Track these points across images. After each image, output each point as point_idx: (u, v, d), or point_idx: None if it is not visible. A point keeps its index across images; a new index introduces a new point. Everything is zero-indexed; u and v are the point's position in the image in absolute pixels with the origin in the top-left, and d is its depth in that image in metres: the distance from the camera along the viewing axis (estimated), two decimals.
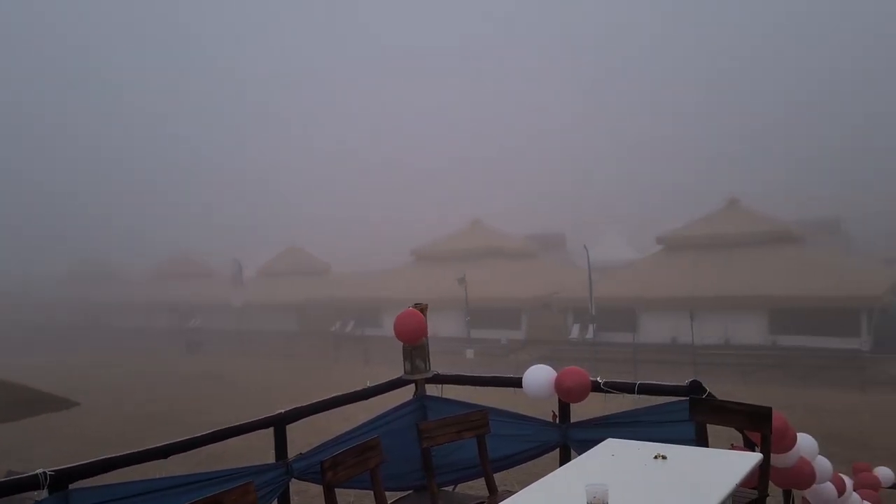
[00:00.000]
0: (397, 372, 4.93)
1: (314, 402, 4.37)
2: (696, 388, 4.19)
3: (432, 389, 5.13)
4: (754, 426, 3.47)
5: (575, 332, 34.05)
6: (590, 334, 31.88)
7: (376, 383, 4.84)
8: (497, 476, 4.34)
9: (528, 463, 4.81)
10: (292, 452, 4.13)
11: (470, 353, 30.27)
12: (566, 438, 4.62)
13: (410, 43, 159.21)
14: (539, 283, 38.40)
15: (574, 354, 31.19)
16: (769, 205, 39.35)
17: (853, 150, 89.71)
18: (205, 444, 3.69)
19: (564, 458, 4.57)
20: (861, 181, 75.47)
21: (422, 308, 4.81)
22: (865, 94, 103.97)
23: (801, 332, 29.04)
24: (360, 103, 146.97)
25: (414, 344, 4.72)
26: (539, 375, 4.59)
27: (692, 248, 34.67)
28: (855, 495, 6.55)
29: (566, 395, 4.50)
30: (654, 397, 4.44)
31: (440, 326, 38.07)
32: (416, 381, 4.98)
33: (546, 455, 4.77)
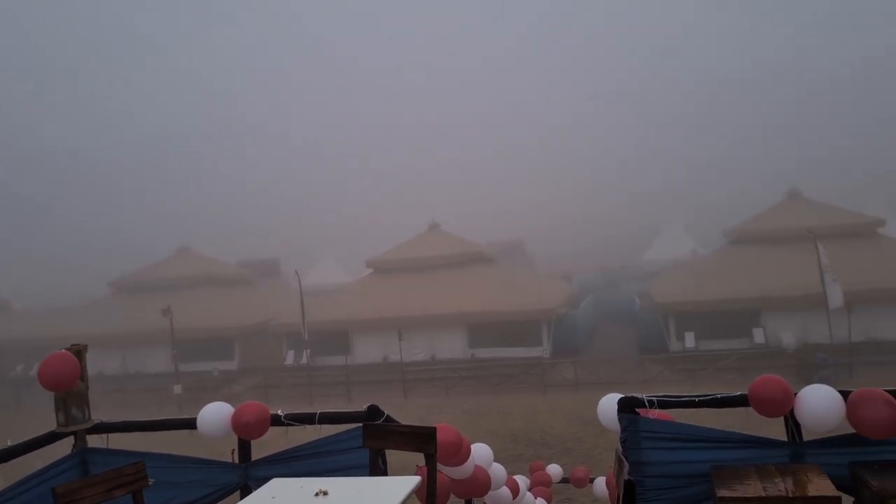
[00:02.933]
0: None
1: None
2: (374, 412, 4.15)
3: (97, 441, 4.51)
4: (421, 446, 3.49)
5: (290, 358, 33.51)
6: (305, 359, 31.57)
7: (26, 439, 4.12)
8: None
9: None
10: None
11: (178, 389, 28.28)
12: (247, 478, 4.32)
13: None
14: (253, 310, 37.25)
15: (290, 381, 30.71)
16: (465, 229, 42.42)
17: (538, 180, 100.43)
18: None
19: None
20: (544, 205, 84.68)
21: (78, 349, 4.21)
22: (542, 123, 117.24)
23: (495, 345, 31.55)
24: None
25: (67, 391, 4.11)
26: (215, 413, 4.24)
27: (399, 270, 36.08)
28: (529, 495, 7.06)
29: (244, 431, 4.20)
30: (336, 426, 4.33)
31: (145, 362, 35.14)
32: (74, 434, 4.34)
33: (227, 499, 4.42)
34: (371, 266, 37.93)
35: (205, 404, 4.49)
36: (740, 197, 55.20)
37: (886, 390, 3.49)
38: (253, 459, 4.41)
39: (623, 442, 3.92)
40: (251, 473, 4.32)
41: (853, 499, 3.44)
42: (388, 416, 4.20)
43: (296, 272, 33.21)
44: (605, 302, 43.82)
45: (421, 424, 3.72)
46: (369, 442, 3.67)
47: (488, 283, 33.94)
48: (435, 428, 3.55)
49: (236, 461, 4.39)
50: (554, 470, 8.28)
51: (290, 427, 4.37)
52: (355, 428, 4.10)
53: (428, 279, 34.74)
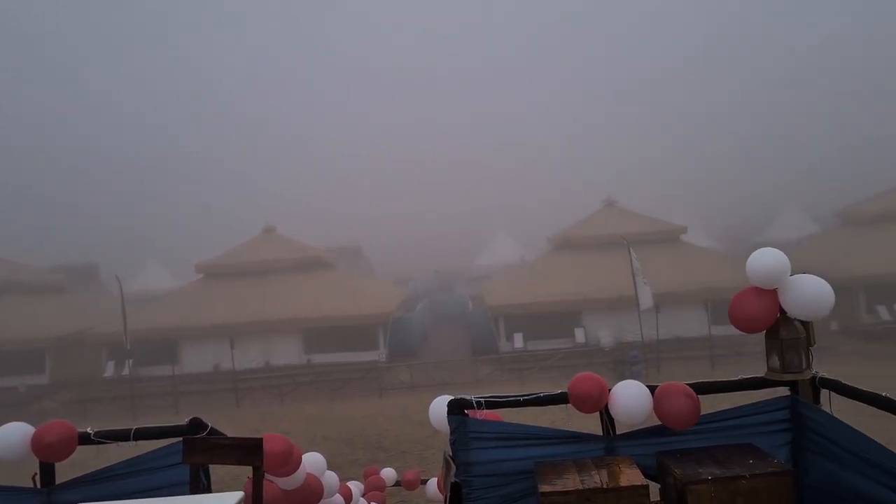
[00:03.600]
0: None
1: None
2: (196, 426, 3.91)
3: None
4: (247, 459, 3.33)
5: (110, 369, 31.18)
6: (127, 370, 29.50)
7: None
8: None
9: None
10: None
11: None
12: None
13: None
14: (68, 318, 34.30)
15: (111, 394, 28.58)
16: (304, 233, 41.65)
17: (371, 187, 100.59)
18: None
19: None
20: (382, 210, 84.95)
21: None
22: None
23: (331, 350, 31.16)
24: None
25: None
26: (10, 435, 3.80)
27: (232, 275, 34.71)
28: (362, 500, 7.00)
29: (47, 453, 3.81)
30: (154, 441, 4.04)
31: None
32: None
33: None
34: (201, 270, 36.19)
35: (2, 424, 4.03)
36: (563, 206, 58.38)
37: (687, 384, 3.77)
38: (58, 482, 4.01)
39: (452, 443, 3.97)
40: (55, 499, 3.93)
41: (660, 486, 3.69)
42: (212, 428, 3.98)
43: (116, 277, 30.97)
44: (440, 305, 44.70)
45: (254, 434, 3.55)
46: (190, 457, 3.45)
47: (325, 287, 33.48)
48: (261, 439, 3.40)
49: (38, 486, 3.97)
50: (388, 474, 8.26)
51: (103, 445, 4.03)
52: (176, 443, 3.85)
53: (262, 284, 33.69)
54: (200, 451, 3.43)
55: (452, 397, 4.08)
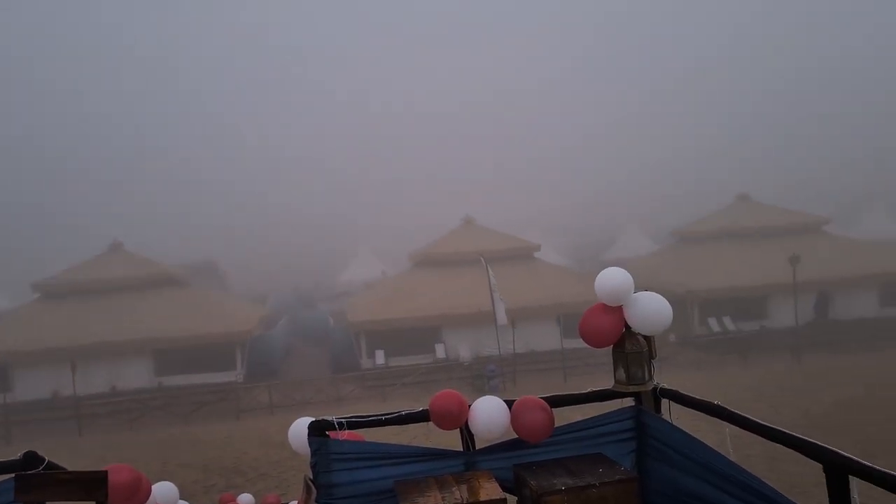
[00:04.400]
0: None
1: None
2: (30, 460, 3.58)
3: None
4: (89, 494, 3.09)
5: None
6: None
7: None
8: None
9: None
10: None
11: None
12: None
13: None
14: None
15: None
16: (154, 249, 39.49)
17: (227, 201, 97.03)
18: None
19: None
20: (228, 228, 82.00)
21: None
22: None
23: (185, 371, 29.66)
24: None
25: None
26: None
27: (73, 294, 32.27)
28: None
29: None
30: None
31: None
32: None
33: None
34: (39, 290, 33.39)
35: None
36: (424, 222, 59.09)
37: (541, 397, 3.91)
38: None
39: (313, 466, 3.87)
40: None
41: (517, 498, 3.78)
42: (49, 462, 3.66)
43: None
44: (301, 322, 43.77)
45: (99, 466, 3.30)
46: (24, 495, 3.15)
47: (177, 306, 31.84)
48: (106, 471, 3.17)
49: None
50: (245, 499, 7.92)
51: None
52: (6, 480, 3.51)
53: (108, 303, 31.52)
54: (36, 487, 3.14)
55: (313, 419, 3.99)
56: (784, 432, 2.83)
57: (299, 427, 4.24)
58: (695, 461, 3.44)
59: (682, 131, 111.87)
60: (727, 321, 32.86)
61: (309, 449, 3.90)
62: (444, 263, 34.66)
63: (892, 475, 2.22)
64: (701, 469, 3.40)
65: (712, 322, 32.89)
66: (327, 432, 3.90)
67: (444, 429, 3.89)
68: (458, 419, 3.84)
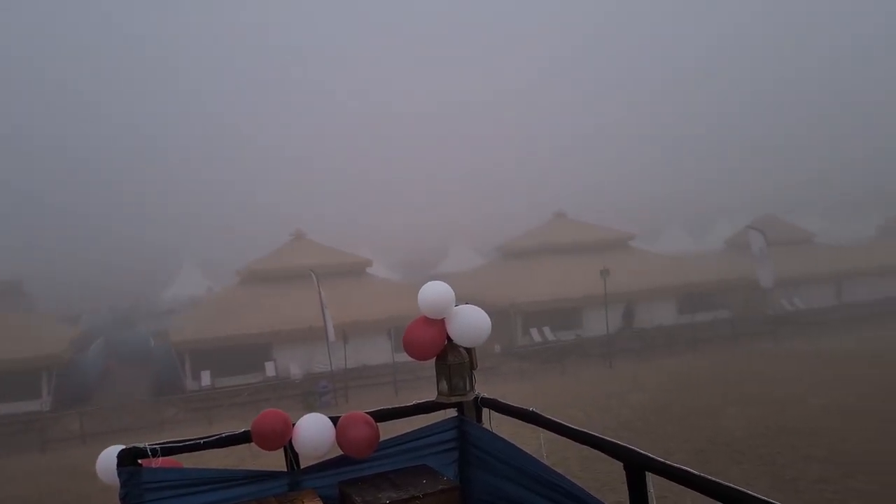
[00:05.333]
0: None
1: None
2: None
3: None
4: None
5: None
6: None
7: None
8: None
9: None
10: None
11: None
12: None
13: None
14: None
15: None
16: None
17: (29, 214, 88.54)
18: None
19: None
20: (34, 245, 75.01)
21: None
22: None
23: None
24: None
25: None
26: None
27: None
28: None
29: None
30: None
31: None
32: None
33: None
34: None
35: None
36: (254, 237, 57.27)
37: (367, 412, 3.88)
38: None
39: (123, 498, 3.58)
40: None
41: None
42: None
43: None
44: (118, 343, 40.73)
45: None
46: None
47: None
48: None
49: None
50: None
51: None
52: None
53: None
54: None
55: (124, 447, 3.70)
56: (589, 434, 3.01)
57: (108, 456, 3.91)
58: (512, 467, 3.57)
59: (506, 153, 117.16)
60: (547, 331, 34.67)
61: (118, 480, 3.61)
62: (274, 279, 33.74)
63: (683, 470, 2.41)
64: (518, 474, 3.52)
65: (534, 332, 34.55)
66: (139, 460, 3.63)
67: (267, 449, 3.75)
68: (281, 439, 3.72)
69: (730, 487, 2.19)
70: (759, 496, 2.03)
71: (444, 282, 3.84)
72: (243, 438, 3.76)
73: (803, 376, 22.55)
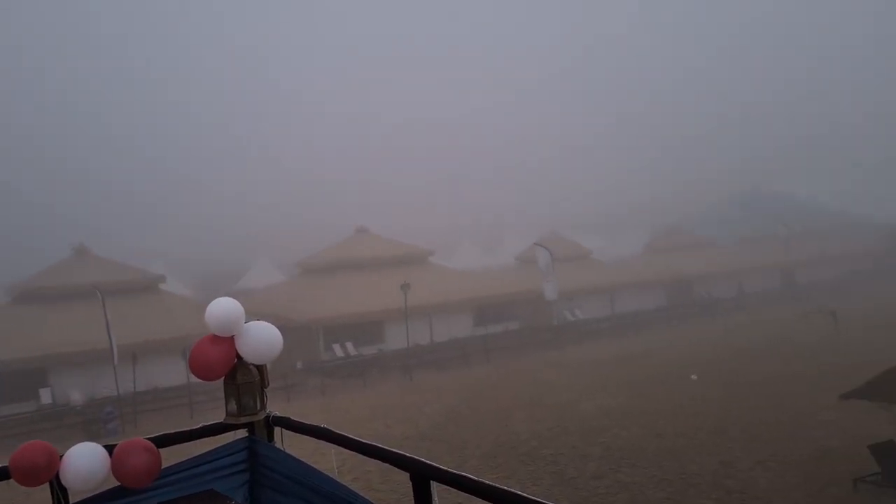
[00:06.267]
0: None
1: None
2: None
3: None
4: None
5: None
6: None
7: None
8: None
9: None
10: None
11: None
12: None
13: None
14: None
15: None
16: None
17: None
18: None
19: None
20: None
21: None
22: None
23: None
24: None
25: None
26: None
27: None
28: None
29: None
30: None
31: None
32: None
33: None
34: None
35: None
36: (25, 253, 51.25)
37: (148, 438, 3.60)
38: None
39: None
40: None
41: None
42: None
43: None
44: None
45: None
46: None
47: None
48: None
49: None
50: None
51: None
52: None
53: None
54: None
55: None
56: (378, 447, 3.01)
57: None
58: (305, 486, 3.49)
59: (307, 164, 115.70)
60: (350, 346, 34.55)
61: None
62: (51, 297, 30.44)
63: (465, 477, 2.48)
64: (310, 493, 3.45)
65: (337, 348, 34.28)
66: None
67: (28, 486, 3.34)
68: (45, 473, 3.33)
69: (505, 491, 2.29)
70: (531, 497, 2.14)
71: (244, 298, 3.70)
72: (2, 475, 3.33)
73: (581, 380, 24.50)
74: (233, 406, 3.75)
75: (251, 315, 3.90)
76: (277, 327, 3.88)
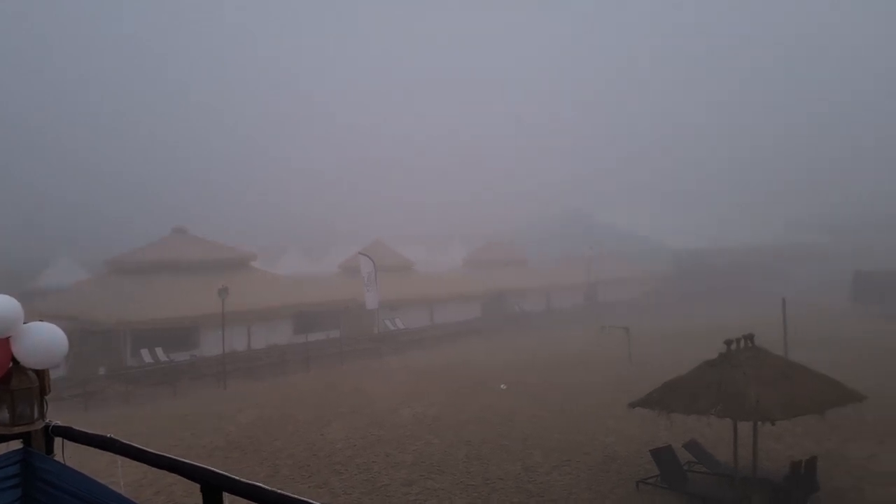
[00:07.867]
0: None
1: None
2: None
3: None
4: None
5: None
6: None
7: None
8: None
9: None
10: None
11: None
12: None
13: None
14: None
15: None
16: None
17: None
18: None
19: None
20: None
21: None
22: None
23: None
24: None
25: None
26: None
27: None
28: None
29: None
30: None
31: None
32: None
33: None
34: None
35: None
36: None
37: None
38: None
39: None
40: None
41: None
42: None
43: None
44: None
45: None
46: None
47: None
48: None
49: None
50: None
51: None
52: None
53: None
54: None
55: None
56: (167, 457, 2.83)
57: None
58: (85, 501, 3.20)
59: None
60: (160, 352, 32.38)
61: None
62: None
63: (259, 487, 2.39)
64: None
65: (145, 353, 32.00)
66: None
67: None
68: None
69: (299, 500, 2.23)
70: None
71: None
72: None
73: (400, 389, 24.73)
74: (5, 415, 3.37)
75: (37, 315, 3.53)
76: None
